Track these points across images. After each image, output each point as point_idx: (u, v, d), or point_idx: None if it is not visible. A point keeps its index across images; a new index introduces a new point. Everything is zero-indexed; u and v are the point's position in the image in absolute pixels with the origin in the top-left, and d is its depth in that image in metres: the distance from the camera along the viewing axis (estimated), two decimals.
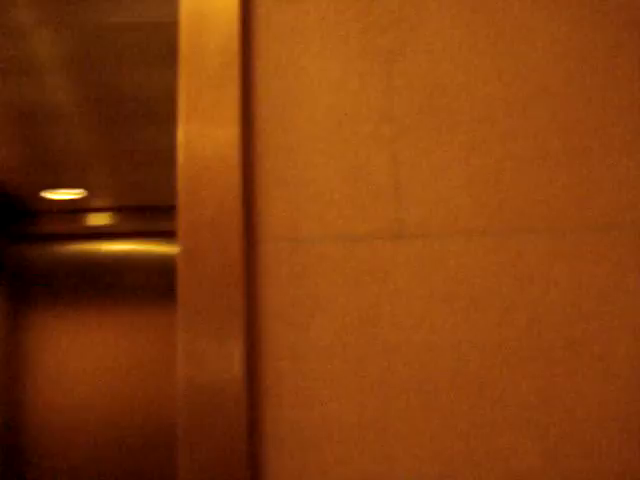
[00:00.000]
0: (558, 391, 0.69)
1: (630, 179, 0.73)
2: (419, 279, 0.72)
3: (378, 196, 0.73)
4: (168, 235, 2.88)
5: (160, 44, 1.51)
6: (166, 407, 2.80)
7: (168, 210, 2.87)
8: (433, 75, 0.76)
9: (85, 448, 2.84)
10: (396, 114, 0.75)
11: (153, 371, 2.84)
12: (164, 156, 2.26)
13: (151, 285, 2.89)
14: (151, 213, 2.92)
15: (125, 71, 1.64)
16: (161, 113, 1.91)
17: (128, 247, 2.92)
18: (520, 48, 0.76)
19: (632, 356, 0.70)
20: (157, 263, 2.89)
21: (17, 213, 2.92)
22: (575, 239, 0.72)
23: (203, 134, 0.73)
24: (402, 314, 0.72)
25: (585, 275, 0.71)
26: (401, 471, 0.69)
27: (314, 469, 0.69)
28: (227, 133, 0.72)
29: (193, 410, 0.66)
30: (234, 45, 0.74)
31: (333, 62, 0.77)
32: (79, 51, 1.52)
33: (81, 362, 2.90)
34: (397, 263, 0.72)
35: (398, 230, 0.72)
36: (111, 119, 1.95)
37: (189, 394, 0.67)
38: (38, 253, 2.96)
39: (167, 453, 2.79)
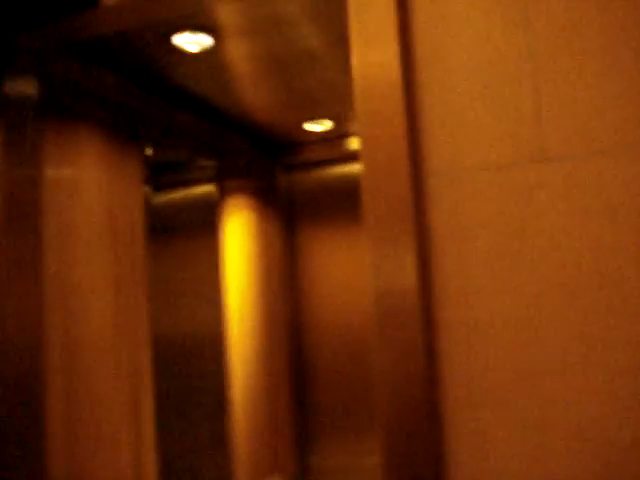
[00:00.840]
0: None
1: None
2: (560, 197, 0.87)
3: (522, 126, 0.89)
4: None
5: None
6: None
7: None
8: (567, 15, 0.88)
9: (352, 364, 3.27)
10: (535, 51, 0.89)
11: None
12: None
13: None
14: None
15: None
16: None
17: None
18: None
19: None
20: None
21: (284, 146, 3.38)
22: None
23: (372, 64, 0.93)
24: (547, 228, 0.88)
25: None
26: (550, 353, 0.86)
27: (480, 352, 0.89)
28: (392, 75, 0.93)
29: (381, 312, 0.91)
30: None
31: (477, 11, 0.93)
32: (322, 5, 1.79)
33: (340, 277, 3.32)
34: (541, 184, 0.88)
35: (541, 154, 0.88)
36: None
37: (377, 300, 0.91)
38: (302, 179, 3.41)
39: None
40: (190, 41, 1.95)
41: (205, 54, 2.09)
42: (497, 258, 0.88)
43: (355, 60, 0.93)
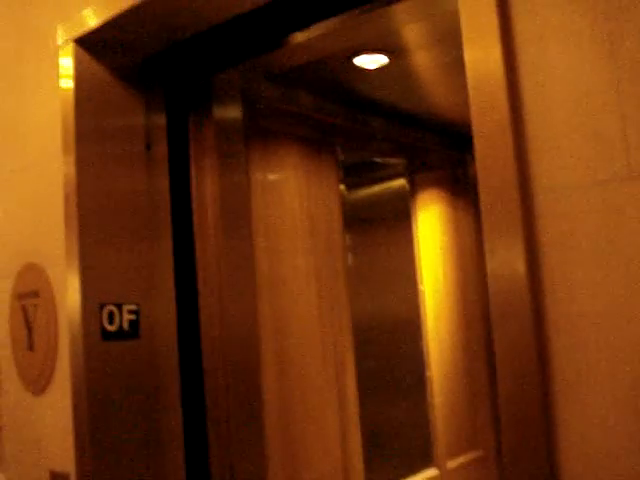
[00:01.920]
0: None
1: None
2: None
3: (612, 149, 1.02)
4: None
5: None
6: None
7: None
8: None
9: None
10: (620, 82, 1.01)
11: None
12: None
13: None
14: None
15: None
16: None
17: None
18: None
19: None
20: None
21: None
22: None
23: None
24: (635, 236, 1.00)
25: None
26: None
27: (582, 339, 1.03)
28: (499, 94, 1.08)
29: (496, 293, 1.06)
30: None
31: (571, 43, 1.07)
32: None
33: None
34: (630, 199, 1.00)
35: (629, 173, 1.00)
36: None
37: (492, 283, 1.07)
38: None
39: None
40: (369, 61, 2.18)
41: (381, 70, 2.31)
42: (595, 264, 1.03)
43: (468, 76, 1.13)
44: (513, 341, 1.07)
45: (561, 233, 1.07)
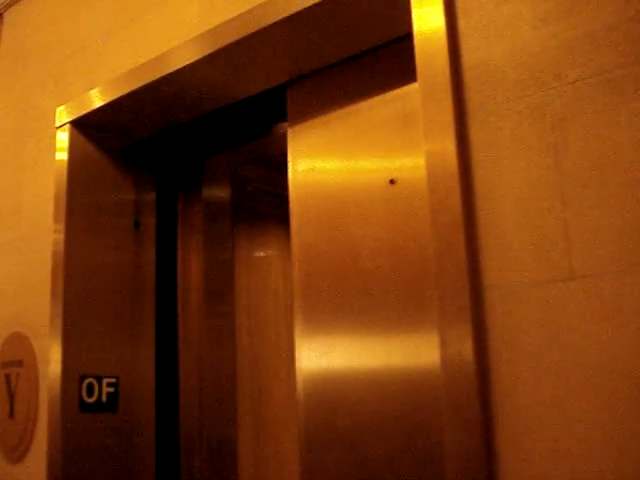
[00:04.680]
0: None
1: None
2: (592, 311, 1.06)
3: (555, 250, 1.10)
4: None
5: None
6: None
7: None
8: (591, 157, 1.09)
9: None
10: (564, 189, 1.11)
11: None
12: None
13: None
14: None
15: None
16: None
17: None
18: None
19: None
20: None
21: None
22: None
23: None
24: (577, 333, 1.07)
25: None
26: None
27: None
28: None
29: (447, 380, 1.11)
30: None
31: (520, 150, 1.17)
32: None
33: None
34: (570, 298, 1.08)
35: (570, 274, 1.08)
36: None
37: (444, 371, 1.13)
38: None
39: None
40: None
41: None
42: (538, 357, 1.10)
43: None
44: (462, 426, 1.13)
45: (507, 327, 1.13)
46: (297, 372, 1.66)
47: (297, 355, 1.66)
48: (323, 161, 1.70)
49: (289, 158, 1.77)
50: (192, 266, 2.21)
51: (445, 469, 1.15)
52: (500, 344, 1.13)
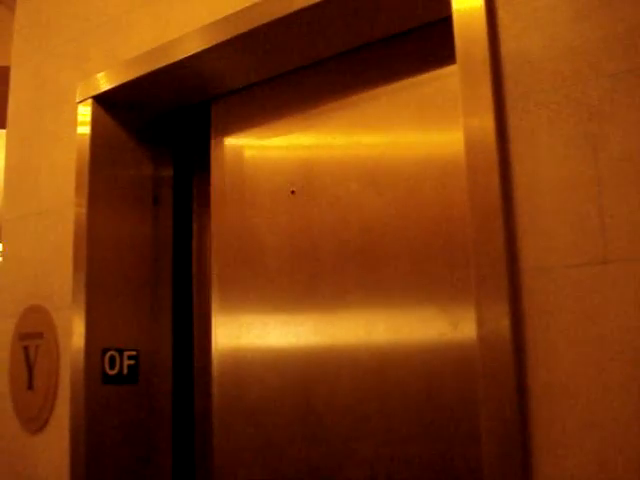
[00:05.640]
0: None
1: None
2: (625, 294, 1.13)
3: (591, 236, 1.16)
4: None
5: None
6: None
7: None
8: (627, 147, 1.15)
9: None
10: (600, 178, 1.17)
11: None
12: None
13: None
14: None
15: None
16: None
17: None
18: None
19: None
20: None
21: None
22: None
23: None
24: (611, 315, 1.13)
25: None
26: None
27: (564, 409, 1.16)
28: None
29: (484, 357, 1.18)
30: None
31: (559, 143, 1.22)
32: None
33: None
34: (606, 284, 1.14)
35: (604, 258, 1.15)
36: None
37: (481, 348, 1.19)
38: None
39: None
40: None
41: None
42: (573, 335, 1.16)
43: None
44: (497, 401, 1.19)
45: (544, 308, 1.19)
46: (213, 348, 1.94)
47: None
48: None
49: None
50: (207, 242, 2.24)
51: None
52: (536, 322, 1.20)
